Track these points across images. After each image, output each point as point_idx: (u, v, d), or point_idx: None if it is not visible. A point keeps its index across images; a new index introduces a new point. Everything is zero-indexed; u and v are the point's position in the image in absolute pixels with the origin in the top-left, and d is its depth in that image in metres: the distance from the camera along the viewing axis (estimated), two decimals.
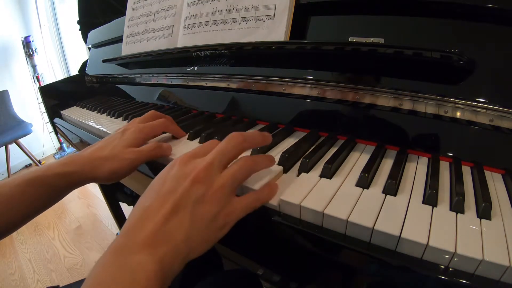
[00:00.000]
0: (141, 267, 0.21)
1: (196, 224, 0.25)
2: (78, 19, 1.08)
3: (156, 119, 0.45)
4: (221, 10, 0.55)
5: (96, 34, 0.99)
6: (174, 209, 0.24)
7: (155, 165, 0.44)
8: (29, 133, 2.28)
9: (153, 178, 0.43)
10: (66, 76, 1.91)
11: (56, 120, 0.88)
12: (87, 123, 0.68)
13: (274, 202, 0.30)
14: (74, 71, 1.47)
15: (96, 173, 0.37)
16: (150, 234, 0.23)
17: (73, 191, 0.40)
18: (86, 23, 1.07)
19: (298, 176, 0.34)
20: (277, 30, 0.48)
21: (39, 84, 2.43)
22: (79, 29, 1.08)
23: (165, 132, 0.50)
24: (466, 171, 0.34)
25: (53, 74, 2.72)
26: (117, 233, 1.46)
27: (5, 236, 0.35)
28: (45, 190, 0.35)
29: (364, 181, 0.31)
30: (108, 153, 0.38)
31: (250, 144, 0.31)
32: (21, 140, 2.30)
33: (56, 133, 0.96)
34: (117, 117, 0.68)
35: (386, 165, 0.36)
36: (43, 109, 2.09)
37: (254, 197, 0.29)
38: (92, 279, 0.21)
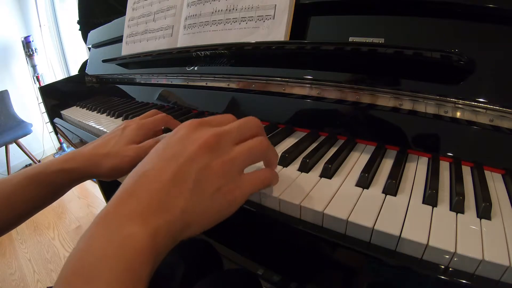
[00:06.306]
0: (130, 240, 0.18)
1: (196, 196, 0.22)
2: (78, 19, 1.08)
3: None
4: (221, 10, 0.55)
5: (96, 34, 0.99)
6: (175, 177, 0.22)
7: None
8: (29, 133, 2.28)
9: None
10: (66, 76, 1.91)
11: (56, 120, 0.88)
12: (87, 123, 0.68)
13: (274, 201, 0.30)
14: (74, 71, 1.47)
15: (96, 170, 0.37)
16: (144, 203, 0.20)
17: (73, 191, 0.40)
18: (86, 23, 1.07)
19: (298, 176, 0.34)
20: (277, 30, 0.48)
21: (39, 84, 2.43)
22: (79, 29, 1.09)
23: (167, 131, 0.51)
24: (466, 171, 0.34)
25: (53, 74, 2.72)
26: None
27: (5, 233, 0.35)
28: (46, 187, 0.35)
29: (364, 181, 0.31)
30: (109, 150, 0.38)
31: (263, 134, 0.29)
32: (21, 140, 2.30)
33: (56, 133, 0.96)
34: (117, 117, 0.68)
35: (386, 165, 0.36)
36: (43, 109, 2.09)
37: (263, 172, 0.27)
38: (76, 254, 0.18)
